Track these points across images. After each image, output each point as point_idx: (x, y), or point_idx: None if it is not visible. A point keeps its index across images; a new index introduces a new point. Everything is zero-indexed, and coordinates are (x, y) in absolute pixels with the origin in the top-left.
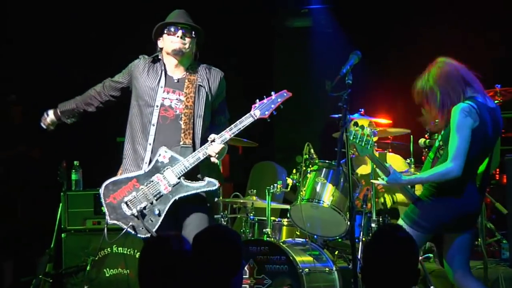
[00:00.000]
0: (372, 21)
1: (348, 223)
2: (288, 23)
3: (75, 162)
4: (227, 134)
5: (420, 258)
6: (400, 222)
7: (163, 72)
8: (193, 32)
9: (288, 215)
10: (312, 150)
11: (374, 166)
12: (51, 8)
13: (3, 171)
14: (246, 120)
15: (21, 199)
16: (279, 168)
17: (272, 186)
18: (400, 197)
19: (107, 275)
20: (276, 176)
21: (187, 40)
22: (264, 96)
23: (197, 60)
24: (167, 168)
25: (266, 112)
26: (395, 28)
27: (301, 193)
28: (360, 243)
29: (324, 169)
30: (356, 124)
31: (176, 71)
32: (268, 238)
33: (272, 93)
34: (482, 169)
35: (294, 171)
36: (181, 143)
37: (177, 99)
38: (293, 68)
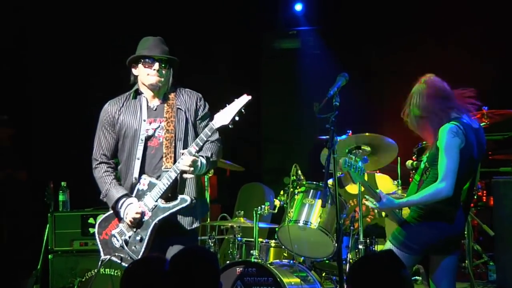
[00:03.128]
0: (359, 42)
1: (336, 244)
2: (276, 45)
3: (62, 183)
4: (193, 147)
5: None
6: (388, 244)
7: (142, 104)
8: (169, 64)
9: (276, 236)
10: (299, 172)
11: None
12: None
13: None
14: (208, 131)
15: (7, 221)
16: (266, 189)
17: (259, 207)
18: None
19: None
20: (264, 198)
21: (164, 72)
22: (226, 104)
23: (174, 84)
24: (146, 195)
25: (227, 118)
26: (383, 49)
27: (289, 214)
28: (348, 264)
29: (312, 190)
30: (350, 152)
31: (153, 100)
32: (255, 260)
33: (235, 99)
34: (465, 187)
35: (281, 192)
36: (163, 167)
37: (159, 126)
38: (281, 90)
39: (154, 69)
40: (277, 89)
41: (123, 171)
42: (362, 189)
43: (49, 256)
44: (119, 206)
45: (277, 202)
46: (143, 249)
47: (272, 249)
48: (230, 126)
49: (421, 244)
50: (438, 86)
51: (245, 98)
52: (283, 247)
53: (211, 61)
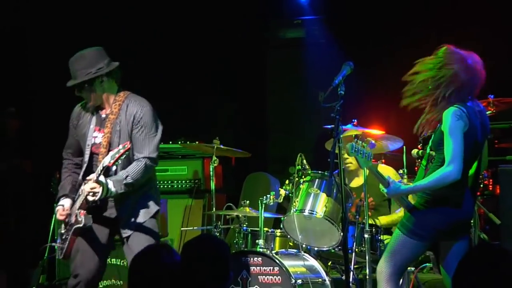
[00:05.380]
0: (364, 31)
1: (341, 233)
2: (281, 34)
3: None
4: (94, 176)
5: (416, 269)
6: (396, 232)
7: (93, 112)
8: (86, 84)
9: (281, 226)
10: (304, 161)
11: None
12: None
13: None
14: (100, 167)
15: (14, 211)
16: (272, 179)
17: (265, 196)
18: (383, 220)
19: (100, 286)
20: (269, 187)
21: (84, 94)
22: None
23: (123, 91)
24: (77, 200)
25: (111, 160)
26: (388, 38)
27: (294, 203)
28: (353, 253)
29: (317, 179)
30: (356, 137)
31: (103, 110)
32: (261, 249)
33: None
34: (472, 172)
35: (287, 181)
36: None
37: (102, 137)
38: (286, 79)
39: (77, 95)
40: (282, 78)
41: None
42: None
43: (55, 246)
44: (57, 204)
45: (282, 192)
46: (65, 249)
47: (277, 239)
48: (112, 168)
49: (429, 230)
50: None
51: (126, 146)
52: (288, 236)
53: (215, 50)
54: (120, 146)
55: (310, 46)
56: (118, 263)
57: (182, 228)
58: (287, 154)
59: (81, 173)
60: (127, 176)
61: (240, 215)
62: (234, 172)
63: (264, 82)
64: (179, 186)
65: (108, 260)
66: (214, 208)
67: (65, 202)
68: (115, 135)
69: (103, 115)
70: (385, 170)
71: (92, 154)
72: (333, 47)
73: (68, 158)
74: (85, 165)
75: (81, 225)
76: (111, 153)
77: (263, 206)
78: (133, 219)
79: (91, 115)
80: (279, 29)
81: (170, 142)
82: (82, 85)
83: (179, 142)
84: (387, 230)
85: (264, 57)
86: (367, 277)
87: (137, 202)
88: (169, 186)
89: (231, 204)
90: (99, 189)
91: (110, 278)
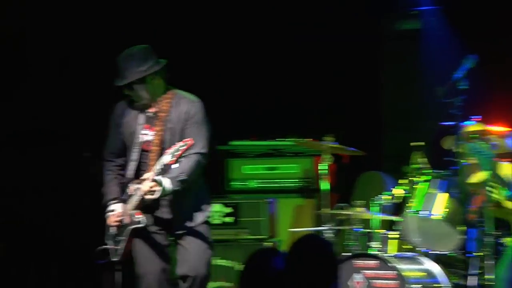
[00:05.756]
0: (489, 21)
1: (462, 236)
2: (396, 26)
3: None
4: (152, 173)
5: None
6: None
7: (140, 110)
8: (138, 83)
9: (397, 228)
10: (422, 159)
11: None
12: None
13: None
14: (158, 166)
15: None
16: (386, 178)
17: (379, 196)
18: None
19: None
20: (383, 187)
21: (134, 92)
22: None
23: (171, 89)
24: (129, 200)
25: (172, 159)
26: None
27: (410, 204)
28: (475, 258)
29: (435, 179)
30: (477, 135)
31: (147, 107)
32: (375, 252)
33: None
34: None
35: (402, 181)
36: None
37: (153, 135)
38: (401, 73)
39: (126, 93)
40: (397, 72)
41: (125, 171)
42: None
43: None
44: (106, 209)
45: (397, 192)
46: (121, 250)
47: (392, 241)
48: (171, 166)
49: None
50: None
51: (188, 143)
52: (404, 239)
53: (326, 44)
54: (181, 143)
55: (427, 38)
56: (227, 264)
57: (291, 229)
58: (403, 152)
59: (131, 172)
60: (180, 173)
61: (352, 216)
62: (346, 171)
63: (378, 76)
64: (289, 185)
65: (216, 261)
66: (325, 209)
67: (116, 207)
68: (167, 132)
69: (151, 113)
70: (506, 168)
71: (142, 152)
72: (453, 39)
73: (111, 160)
74: (134, 163)
75: (140, 225)
76: (170, 151)
77: (377, 207)
78: (186, 219)
79: (137, 113)
80: (394, 20)
81: (281, 139)
82: (133, 83)
83: (290, 139)
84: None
85: (377, 50)
86: (490, 283)
87: (190, 200)
88: (279, 185)
89: (343, 204)
90: (157, 188)
91: (218, 279)
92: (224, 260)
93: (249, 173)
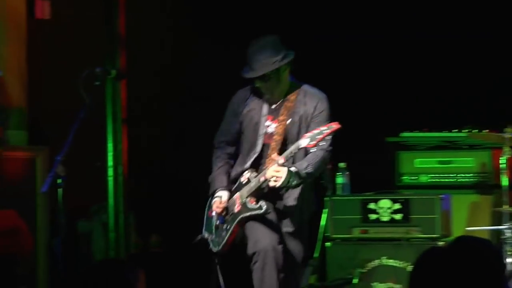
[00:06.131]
0: None
1: None
2: None
3: (341, 164)
4: (281, 158)
5: None
6: None
7: (266, 100)
8: (272, 74)
9: None
10: None
11: None
12: None
13: None
14: (293, 148)
15: None
16: None
17: None
18: None
19: None
20: None
21: (265, 83)
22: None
23: (296, 81)
24: (242, 188)
25: (311, 142)
26: None
27: None
28: None
29: None
30: None
31: (275, 99)
32: None
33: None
34: None
35: None
36: (264, 167)
37: (276, 126)
38: None
39: (257, 85)
40: None
41: (238, 161)
42: None
43: (326, 244)
44: (214, 196)
45: None
46: (224, 240)
47: None
48: (311, 151)
49: None
50: None
51: (333, 126)
52: None
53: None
54: (324, 127)
55: None
56: (396, 265)
57: (467, 228)
58: None
59: (248, 163)
60: (307, 165)
61: None
62: None
63: None
64: (465, 180)
65: (384, 260)
66: (505, 206)
67: (223, 194)
68: (293, 124)
69: (277, 104)
70: None
71: (263, 144)
72: None
73: (221, 147)
74: (255, 155)
75: (261, 211)
76: (309, 134)
77: None
78: (298, 215)
79: (262, 103)
80: None
81: (455, 131)
82: (267, 75)
83: (465, 131)
84: None
85: None
86: None
87: (303, 196)
88: (454, 180)
89: None
90: (282, 174)
91: (387, 281)
92: (393, 260)
93: (421, 166)
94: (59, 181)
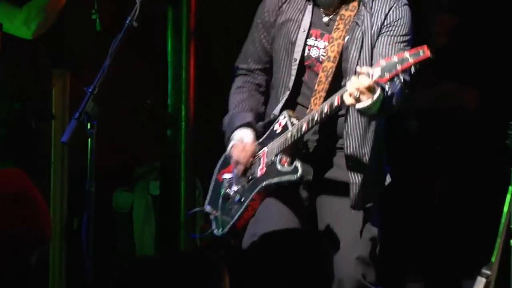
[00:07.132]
0: None
1: None
2: None
3: None
4: (375, 70)
5: None
6: None
7: (311, 9)
8: None
9: None
10: None
11: None
12: None
13: None
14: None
15: None
16: None
17: None
18: None
19: None
20: None
21: None
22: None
23: None
24: (274, 140)
25: (387, 74)
26: None
27: None
28: None
29: None
30: None
31: (328, 10)
32: None
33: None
34: None
35: None
36: (307, 110)
37: (325, 47)
38: None
39: None
40: None
41: (271, 97)
42: None
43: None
44: (231, 139)
45: None
46: (235, 218)
47: None
48: (384, 85)
49: None
50: None
51: (421, 53)
52: None
53: None
54: (411, 52)
55: None
56: None
57: None
58: None
59: (282, 103)
60: (393, 94)
61: None
62: None
63: None
64: None
65: None
66: None
67: (247, 135)
68: (353, 43)
69: (326, 18)
70: None
71: (302, 72)
72: None
73: (245, 74)
74: (287, 92)
75: (294, 177)
76: (384, 62)
77: None
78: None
79: (303, 10)
80: None
81: None
82: None
83: None
84: None
85: None
86: None
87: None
88: None
89: None
90: (369, 95)
91: None
92: None
93: None
94: (88, 126)
